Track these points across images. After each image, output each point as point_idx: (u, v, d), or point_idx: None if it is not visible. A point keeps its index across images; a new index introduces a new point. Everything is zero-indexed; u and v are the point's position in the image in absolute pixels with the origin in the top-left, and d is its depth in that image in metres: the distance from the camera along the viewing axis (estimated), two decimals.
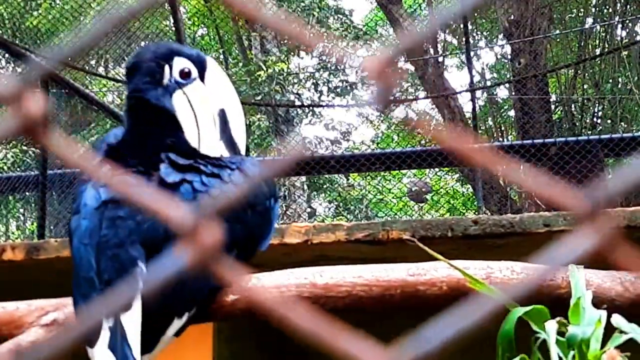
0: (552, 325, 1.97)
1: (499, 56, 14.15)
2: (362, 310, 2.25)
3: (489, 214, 9.39)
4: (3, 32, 8.96)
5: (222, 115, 2.39)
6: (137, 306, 1.99)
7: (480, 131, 10.33)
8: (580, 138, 8.68)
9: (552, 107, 11.76)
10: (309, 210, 13.03)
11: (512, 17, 11.08)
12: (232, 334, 4.96)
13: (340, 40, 13.21)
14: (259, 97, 11.41)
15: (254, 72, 11.62)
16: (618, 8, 10.99)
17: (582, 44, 11.39)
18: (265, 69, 11.47)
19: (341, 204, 13.59)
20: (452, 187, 12.42)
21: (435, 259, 2.22)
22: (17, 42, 8.69)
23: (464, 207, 12.67)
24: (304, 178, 11.36)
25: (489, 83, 13.83)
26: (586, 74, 11.40)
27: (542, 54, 10.91)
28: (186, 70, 2.35)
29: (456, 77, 20.65)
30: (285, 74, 11.86)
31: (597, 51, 11.22)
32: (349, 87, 13.04)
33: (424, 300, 2.24)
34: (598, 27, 11.39)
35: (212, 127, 2.36)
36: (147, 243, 2.08)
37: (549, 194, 0.59)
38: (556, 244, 0.59)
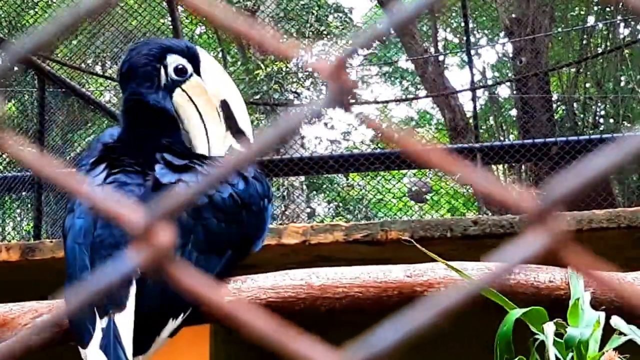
0: (550, 327, 1.98)
1: (500, 55, 14.12)
2: (359, 312, 2.25)
3: (490, 214, 9.34)
4: (0, 31, 8.94)
5: (225, 106, 2.39)
6: (130, 307, 2.00)
7: (481, 130, 10.28)
8: (581, 137, 8.64)
9: (554, 106, 11.73)
10: (308, 210, 13.01)
11: (514, 15, 11.04)
12: (229, 336, 4.94)
13: (340, 38, 13.19)
14: (257, 96, 11.40)
15: (252, 71, 11.60)
16: (620, 6, 10.94)
17: (584, 42, 11.36)
18: (263, 67, 11.44)
19: (341, 204, 13.60)
20: (452, 187, 12.39)
21: (433, 260, 2.22)
22: (13, 40, 8.65)
23: (464, 208, 12.63)
24: (303, 178, 11.32)
25: (490, 82, 13.81)
26: (588, 73, 11.37)
27: (543, 53, 10.87)
28: (180, 66, 2.36)
29: (457, 76, 20.66)
30: (283, 73, 11.84)
31: (599, 50, 11.19)
32: None
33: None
34: (600, 25, 11.35)
35: (218, 120, 2.38)
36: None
37: (501, 196, 0.60)
38: (507, 245, 0.60)
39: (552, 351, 1.94)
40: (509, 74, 12.82)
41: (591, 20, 11.90)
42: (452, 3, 11.93)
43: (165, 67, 2.35)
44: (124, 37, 8.47)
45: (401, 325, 0.58)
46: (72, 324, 2.05)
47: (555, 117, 11.56)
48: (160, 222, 0.59)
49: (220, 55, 12.50)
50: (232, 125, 2.39)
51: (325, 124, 14.54)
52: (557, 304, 2.15)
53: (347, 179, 13.01)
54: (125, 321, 1.99)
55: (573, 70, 11.33)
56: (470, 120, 10.36)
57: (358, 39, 0.63)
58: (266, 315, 0.58)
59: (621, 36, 11.39)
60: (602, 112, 11.69)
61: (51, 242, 4.67)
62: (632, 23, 11.44)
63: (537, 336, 2.04)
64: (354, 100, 0.60)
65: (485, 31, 13.72)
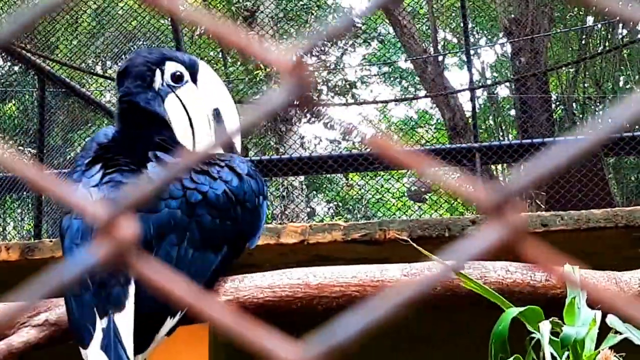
0: (545, 326, 1.99)
1: (499, 55, 14.11)
2: None
3: None
4: None
5: (217, 115, 2.42)
6: (130, 307, 2.02)
7: (480, 130, 10.29)
8: (580, 137, 8.62)
9: (553, 106, 11.73)
10: (307, 210, 13.01)
11: (513, 16, 11.04)
12: (229, 336, 4.94)
13: (340, 38, 13.16)
14: (257, 96, 11.39)
15: (252, 71, 11.59)
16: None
17: (583, 42, 11.36)
18: (263, 67, 11.43)
19: (340, 204, 13.60)
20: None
21: (430, 259, 2.22)
22: (13, 40, 8.64)
23: (463, 207, 12.63)
24: (302, 178, 11.32)
25: (489, 82, 13.81)
26: (587, 73, 11.36)
27: (542, 53, 10.87)
28: (178, 73, 2.40)
29: (456, 76, 20.62)
30: None
31: (598, 50, 11.19)
32: (348, 86, 13.01)
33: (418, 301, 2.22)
34: (599, 25, 11.35)
35: (207, 127, 2.41)
36: (139, 242, 2.05)
37: (460, 190, 0.60)
38: (462, 239, 0.60)
39: (548, 350, 1.95)
40: (508, 74, 12.83)
41: (590, 20, 11.91)
42: (452, 3, 11.94)
43: (162, 72, 2.38)
44: (124, 37, 8.48)
45: (362, 316, 0.58)
46: (72, 325, 2.06)
47: (554, 117, 11.56)
48: (123, 215, 0.59)
49: (220, 55, 12.51)
50: (221, 135, 2.41)
51: (325, 124, 14.54)
52: (553, 303, 2.15)
53: (347, 179, 13.02)
54: (125, 321, 2.01)
55: (572, 70, 11.33)
56: (470, 120, 10.37)
57: (315, 36, 0.63)
58: (228, 308, 0.58)
59: (620, 36, 11.40)
60: (601, 112, 11.69)
61: (51, 241, 4.67)
62: (631, 23, 11.44)
63: (533, 335, 2.05)
64: (313, 99, 0.60)
65: (485, 31, 13.72)
